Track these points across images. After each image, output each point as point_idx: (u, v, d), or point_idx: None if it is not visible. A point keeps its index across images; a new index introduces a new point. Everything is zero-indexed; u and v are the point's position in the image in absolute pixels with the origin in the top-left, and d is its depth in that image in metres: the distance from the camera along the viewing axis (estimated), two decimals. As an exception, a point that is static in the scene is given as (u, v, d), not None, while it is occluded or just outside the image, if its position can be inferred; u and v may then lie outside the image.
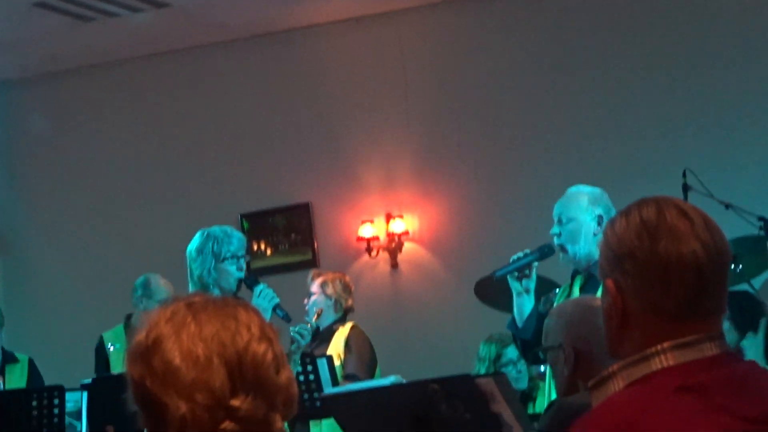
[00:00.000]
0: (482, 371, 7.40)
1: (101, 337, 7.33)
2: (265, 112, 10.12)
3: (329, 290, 6.95)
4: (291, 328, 5.82)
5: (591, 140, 9.20)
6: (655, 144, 9.02)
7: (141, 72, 10.45)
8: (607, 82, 9.21)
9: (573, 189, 5.44)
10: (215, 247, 5.68)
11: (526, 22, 9.48)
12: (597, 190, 5.39)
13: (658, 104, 9.08)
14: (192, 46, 10.21)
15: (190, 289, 5.69)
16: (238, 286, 5.74)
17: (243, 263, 5.74)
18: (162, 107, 10.40)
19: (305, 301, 7.01)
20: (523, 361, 7.23)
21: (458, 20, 9.67)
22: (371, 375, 6.79)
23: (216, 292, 5.58)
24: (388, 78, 9.81)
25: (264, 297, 5.69)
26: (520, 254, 5.36)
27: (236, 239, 5.75)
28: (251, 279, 5.78)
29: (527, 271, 5.33)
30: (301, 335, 5.81)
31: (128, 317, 7.39)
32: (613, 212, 5.13)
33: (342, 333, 6.86)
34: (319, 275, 7.09)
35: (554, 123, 9.32)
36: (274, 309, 5.71)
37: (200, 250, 5.71)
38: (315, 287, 7.00)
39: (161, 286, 7.39)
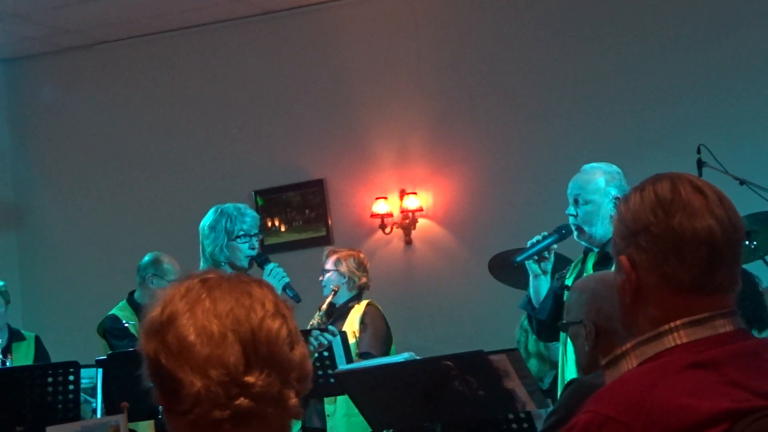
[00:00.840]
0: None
1: (114, 315, 7.30)
2: (279, 88, 10.11)
3: (343, 268, 6.94)
4: (314, 332, 5.77)
5: (605, 114, 9.17)
6: (669, 119, 8.99)
7: (154, 47, 10.45)
8: (622, 56, 9.17)
9: (588, 167, 5.43)
10: (228, 224, 5.69)
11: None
12: (614, 169, 5.38)
13: (673, 79, 9.04)
14: (205, 22, 10.20)
15: (202, 265, 5.70)
16: (250, 264, 5.75)
17: (255, 242, 5.75)
18: (175, 83, 10.40)
19: (320, 278, 7.01)
20: None
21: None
22: (386, 352, 6.79)
23: (227, 269, 5.58)
24: (401, 53, 9.79)
25: (274, 276, 5.70)
26: (539, 237, 5.36)
27: (249, 217, 5.75)
28: (262, 257, 5.78)
29: (546, 254, 5.34)
30: (320, 344, 5.76)
31: (131, 294, 7.36)
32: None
33: (357, 310, 6.86)
34: (333, 252, 7.07)
35: (569, 97, 9.30)
36: (284, 288, 5.71)
37: (213, 227, 5.72)
38: (329, 264, 6.99)
39: (172, 265, 7.36)
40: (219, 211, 5.79)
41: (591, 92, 9.24)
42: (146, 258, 7.42)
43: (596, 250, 5.28)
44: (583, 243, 5.36)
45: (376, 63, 9.87)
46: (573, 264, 5.48)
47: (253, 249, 5.73)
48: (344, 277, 6.92)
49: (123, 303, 7.30)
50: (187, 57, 10.39)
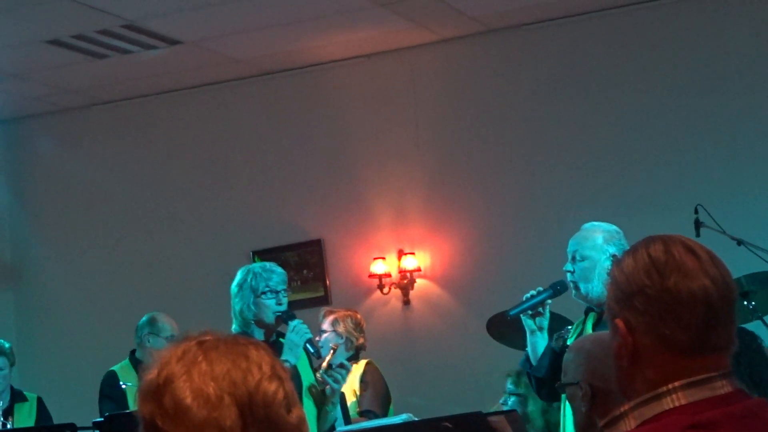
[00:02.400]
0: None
1: (113, 372, 7.35)
2: (277, 148, 10.14)
3: (341, 328, 6.95)
4: (321, 372, 5.82)
5: (603, 172, 9.19)
6: (667, 178, 9.00)
7: (153, 107, 10.49)
8: (619, 114, 9.20)
9: (588, 226, 5.45)
10: (253, 282, 5.78)
11: (536, 55, 9.49)
12: (613, 228, 5.40)
13: (671, 138, 9.05)
14: (204, 82, 10.26)
15: (234, 325, 5.79)
16: (276, 321, 5.80)
17: (282, 297, 5.81)
18: (174, 142, 10.44)
19: (317, 338, 7.00)
20: None
21: (469, 55, 9.68)
22: (386, 411, 6.79)
23: (255, 327, 5.67)
24: (399, 114, 9.83)
25: (297, 332, 5.75)
26: (533, 292, 5.37)
27: (276, 274, 5.84)
28: (287, 314, 5.84)
29: (540, 309, 5.33)
30: (335, 379, 5.82)
31: (132, 352, 7.45)
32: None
33: (356, 370, 6.85)
34: (330, 313, 7.08)
35: (566, 156, 9.32)
36: (305, 344, 5.77)
37: (240, 285, 5.82)
38: (326, 325, 7.00)
39: (167, 323, 7.48)
40: (246, 270, 5.89)
41: (588, 150, 9.27)
42: (143, 319, 7.52)
43: (596, 310, 5.28)
44: (579, 301, 5.37)
45: (373, 123, 9.91)
46: (575, 324, 5.48)
47: (279, 305, 5.79)
48: (342, 338, 6.92)
49: (125, 362, 7.35)
50: (185, 117, 10.43)
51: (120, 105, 10.55)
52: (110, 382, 7.32)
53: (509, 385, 7.12)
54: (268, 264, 5.95)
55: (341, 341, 6.89)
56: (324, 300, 9.71)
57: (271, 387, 1.99)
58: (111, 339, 9.50)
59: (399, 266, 9.65)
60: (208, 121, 10.37)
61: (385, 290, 9.69)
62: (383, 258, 9.67)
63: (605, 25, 9.32)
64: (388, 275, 9.67)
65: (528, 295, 5.37)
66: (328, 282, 9.91)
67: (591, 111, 9.28)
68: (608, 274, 2.20)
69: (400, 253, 9.66)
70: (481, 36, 9.62)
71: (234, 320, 5.85)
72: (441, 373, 9.47)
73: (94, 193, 10.58)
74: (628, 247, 5.10)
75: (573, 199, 9.15)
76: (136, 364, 7.24)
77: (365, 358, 6.97)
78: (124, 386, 7.07)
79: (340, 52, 9.80)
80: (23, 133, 10.83)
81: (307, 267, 9.99)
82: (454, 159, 9.66)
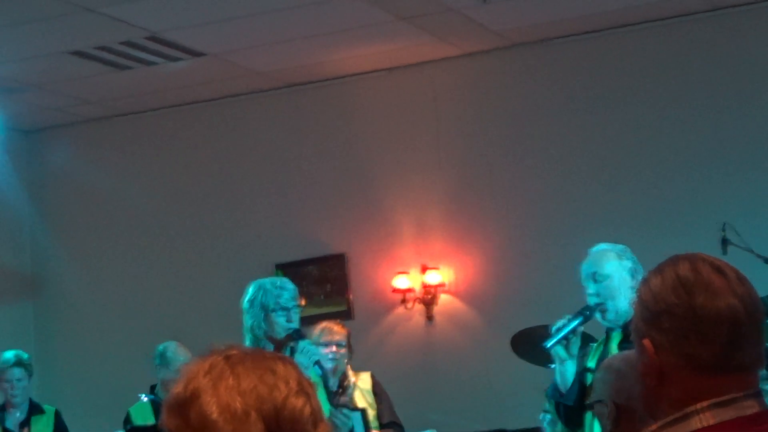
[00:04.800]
0: None
1: (128, 414, 7.41)
2: (299, 161, 10.16)
3: (347, 340, 7.07)
4: (333, 412, 5.84)
5: (629, 190, 9.16)
6: (693, 195, 8.97)
7: (176, 119, 10.53)
8: (644, 128, 9.18)
9: (595, 249, 5.46)
10: (264, 298, 5.74)
11: (560, 70, 9.49)
12: (620, 246, 5.42)
13: (697, 154, 9.03)
14: (227, 94, 10.30)
15: (246, 341, 5.77)
16: (286, 339, 5.77)
17: (294, 314, 5.78)
18: (196, 154, 10.47)
19: (329, 353, 7.06)
20: None
21: (491, 70, 9.69)
22: (397, 422, 6.89)
23: (267, 344, 5.66)
24: (421, 128, 9.84)
25: (305, 354, 5.73)
26: (564, 320, 5.35)
27: (287, 291, 5.80)
28: (297, 333, 5.80)
29: (572, 336, 5.33)
30: (344, 421, 5.84)
31: (152, 388, 7.46)
32: (639, 265, 5.19)
33: (364, 382, 6.89)
34: (334, 325, 7.14)
35: (589, 170, 9.31)
36: (313, 364, 5.76)
37: (251, 302, 5.79)
38: (341, 338, 7.06)
39: (178, 354, 7.45)
40: (257, 286, 5.85)
41: (612, 165, 9.25)
42: (158, 348, 7.54)
43: (619, 329, 5.27)
44: (605, 324, 5.35)
45: (395, 137, 9.92)
46: (595, 344, 5.46)
47: (290, 322, 5.77)
48: (350, 353, 7.01)
49: (145, 402, 7.37)
50: (207, 129, 10.46)
51: (142, 116, 10.59)
52: (124, 420, 7.38)
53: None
54: (278, 280, 5.92)
55: (347, 354, 6.98)
56: (346, 314, 9.71)
57: (298, 403, 2.00)
58: (130, 352, 9.53)
59: (422, 281, 9.65)
60: (230, 133, 10.40)
61: (409, 305, 9.69)
62: (407, 273, 9.67)
63: (630, 40, 9.31)
64: (412, 290, 9.68)
65: (559, 324, 5.35)
66: (350, 296, 9.92)
67: (615, 126, 9.27)
68: (635, 292, 2.21)
69: (424, 268, 9.66)
70: (503, 51, 9.62)
71: (245, 336, 5.83)
72: (463, 389, 9.45)
73: (114, 204, 10.60)
74: (637, 262, 5.11)
75: (597, 214, 9.13)
76: (156, 405, 7.23)
77: (366, 371, 7.01)
78: (145, 399, 7.09)
79: (362, 65, 9.82)
80: (44, 144, 10.88)
81: (329, 281, 10.00)
82: (476, 173, 9.67)
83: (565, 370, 5.32)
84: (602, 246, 5.44)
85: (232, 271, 9.93)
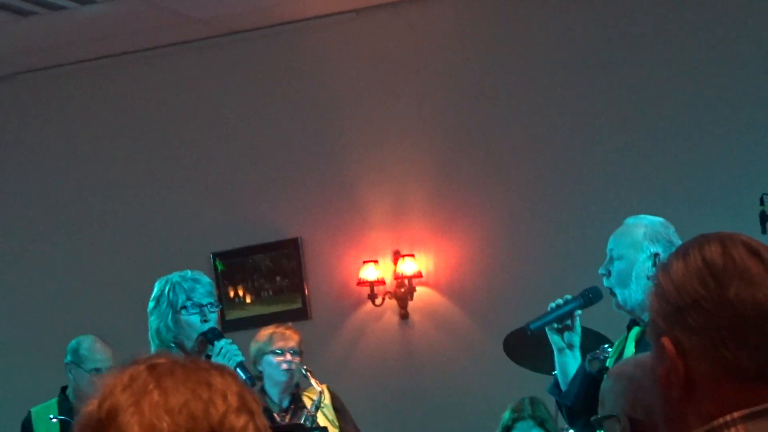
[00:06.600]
0: None
1: (29, 413, 7.37)
2: (244, 126, 10.14)
3: (300, 346, 7.11)
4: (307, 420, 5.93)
5: (649, 160, 9.17)
6: (726, 165, 9.00)
7: (90, 77, 10.48)
8: (669, 90, 9.18)
9: (631, 219, 5.46)
10: (171, 294, 5.70)
11: (569, 10, 9.46)
12: (659, 222, 5.40)
13: (731, 116, 9.06)
14: (154, 45, 10.25)
15: (152, 349, 5.71)
16: (200, 344, 5.73)
17: (209, 313, 5.75)
18: (116, 121, 10.41)
19: (285, 364, 7.07)
20: None
21: (485, 8, 9.65)
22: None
23: (176, 351, 5.61)
24: (397, 85, 9.82)
25: (223, 355, 5.69)
26: (560, 301, 5.39)
27: (201, 284, 5.77)
28: (214, 332, 5.77)
29: (569, 322, 5.35)
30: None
31: (63, 390, 7.41)
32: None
33: (323, 397, 6.94)
34: (287, 330, 7.19)
35: (603, 138, 9.32)
36: (235, 368, 5.72)
37: (157, 300, 5.74)
38: (296, 345, 7.11)
39: (96, 351, 7.36)
40: (164, 281, 5.82)
41: (630, 132, 9.26)
42: (71, 342, 7.46)
43: (641, 324, 5.28)
44: (622, 312, 5.37)
45: (365, 96, 9.90)
46: (616, 343, 5.48)
47: (205, 322, 5.74)
48: (301, 357, 7.09)
49: (53, 401, 7.33)
50: (128, 90, 10.41)
51: (48, 74, 10.54)
52: (24, 421, 7.34)
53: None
54: (190, 272, 5.89)
55: (300, 363, 7.05)
56: (302, 313, 9.72)
57: (239, 422, 1.99)
58: (40, 355, 9.52)
59: (395, 271, 9.66)
60: (157, 94, 10.36)
61: (378, 301, 9.70)
62: (375, 261, 9.68)
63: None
64: (382, 282, 9.69)
65: (553, 304, 5.39)
66: (306, 291, 9.91)
67: (635, 82, 9.28)
68: (652, 280, 2.19)
69: (397, 256, 9.67)
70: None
71: (151, 344, 5.79)
72: (448, 403, 9.47)
73: (18, 184, 10.56)
74: (677, 244, 5.13)
75: (611, 190, 9.15)
76: (66, 406, 7.21)
77: (321, 383, 7.05)
78: (54, 419, 7.07)
79: (322, 6, 9.80)
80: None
81: (281, 273, 10.00)
82: (466, 140, 9.66)
83: (565, 362, 5.35)
84: (637, 218, 5.44)
85: (160, 264, 9.75)
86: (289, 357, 7.08)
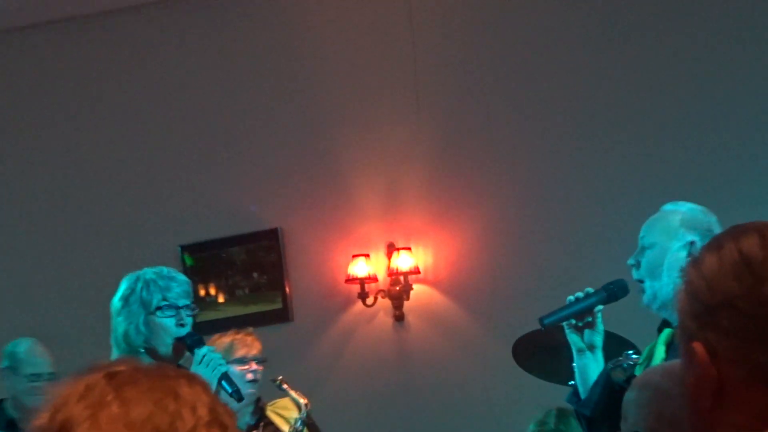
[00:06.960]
0: None
1: None
2: (218, 102, 10.14)
3: (262, 354, 7.13)
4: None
5: (671, 147, 9.22)
6: (758, 150, 9.04)
7: (43, 42, 10.48)
8: (692, 69, 9.24)
9: (668, 206, 5.47)
10: (144, 293, 5.70)
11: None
12: (699, 209, 5.41)
13: (746, 106, 9.11)
14: (116, 7, 10.24)
15: (114, 354, 5.70)
16: (177, 351, 5.73)
17: (186, 316, 5.75)
18: (68, 92, 10.42)
19: (250, 372, 7.09)
20: None
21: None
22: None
23: (145, 357, 5.60)
24: (392, 62, 9.85)
25: (206, 363, 5.69)
26: (579, 294, 5.35)
27: (177, 283, 5.77)
28: (194, 338, 5.77)
29: (589, 319, 5.33)
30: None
31: (0, 403, 7.42)
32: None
33: (289, 410, 6.96)
34: (241, 340, 7.22)
35: (620, 121, 9.35)
36: (219, 381, 5.72)
37: (125, 299, 5.73)
38: (258, 353, 7.12)
39: (35, 355, 7.37)
40: (134, 277, 5.81)
41: (649, 116, 9.30)
42: (7, 346, 7.47)
43: (673, 325, 5.27)
44: (651, 308, 5.37)
45: (356, 73, 9.92)
46: (646, 349, 5.48)
47: (182, 326, 5.73)
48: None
49: None
50: (82, 54, 10.40)
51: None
52: None
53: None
54: (165, 269, 5.90)
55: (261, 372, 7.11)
56: (282, 314, 9.74)
57: (210, 437, 2.00)
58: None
59: (389, 266, 9.67)
60: (120, 58, 10.35)
61: (369, 300, 9.72)
62: (366, 255, 9.69)
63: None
64: (374, 279, 9.70)
65: (572, 297, 5.36)
66: (287, 289, 9.92)
67: (655, 62, 9.33)
68: (681, 277, 2.19)
69: (391, 249, 9.68)
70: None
71: (114, 349, 5.78)
72: (448, 411, 9.50)
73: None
74: (717, 233, 5.13)
75: (629, 176, 9.19)
76: (5, 419, 7.23)
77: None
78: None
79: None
80: None
81: (258, 269, 10.00)
82: (466, 124, 9.69)
83: (585, 366, 5.33)
84: (675, 204, 5.45)
85: (122, 258, 9.83)
86: (254, 366, 7.07)
